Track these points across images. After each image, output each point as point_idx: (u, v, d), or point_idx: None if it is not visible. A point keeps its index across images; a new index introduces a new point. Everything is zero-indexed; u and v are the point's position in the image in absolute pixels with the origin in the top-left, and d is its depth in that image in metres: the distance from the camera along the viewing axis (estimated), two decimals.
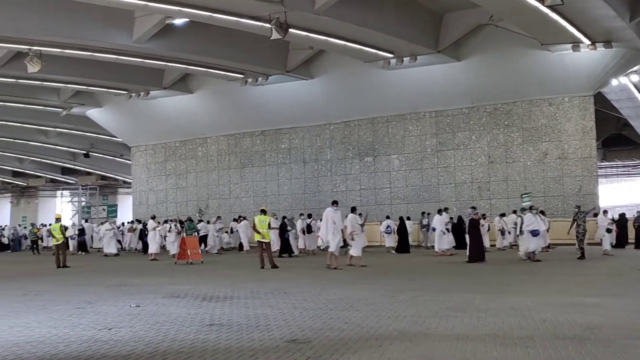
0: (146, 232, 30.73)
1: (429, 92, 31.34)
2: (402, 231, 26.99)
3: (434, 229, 24.71)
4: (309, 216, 28.19)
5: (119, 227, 35.58)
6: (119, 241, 34.07)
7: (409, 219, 28.39)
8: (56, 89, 36.43)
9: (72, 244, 33.67)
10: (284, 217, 29.51)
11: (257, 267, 20.26)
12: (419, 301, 11.49)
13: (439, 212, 24.89)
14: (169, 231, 27.68)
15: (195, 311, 10.91)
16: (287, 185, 36.56)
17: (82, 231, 35.73)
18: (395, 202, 33.20)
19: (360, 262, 19.83)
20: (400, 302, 11.35)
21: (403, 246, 26.60)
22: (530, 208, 21.53)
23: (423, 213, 28.94)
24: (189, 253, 23.38)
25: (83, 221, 36.74)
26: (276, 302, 11.82)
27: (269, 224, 21.03)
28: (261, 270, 19.83)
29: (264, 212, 21.15)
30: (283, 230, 26.27)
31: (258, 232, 20.57)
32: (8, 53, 27.87)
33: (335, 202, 20.04)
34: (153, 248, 27.25)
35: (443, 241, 23.90)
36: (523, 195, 26.54)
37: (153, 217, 28.82)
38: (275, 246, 25.28)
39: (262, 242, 20.62)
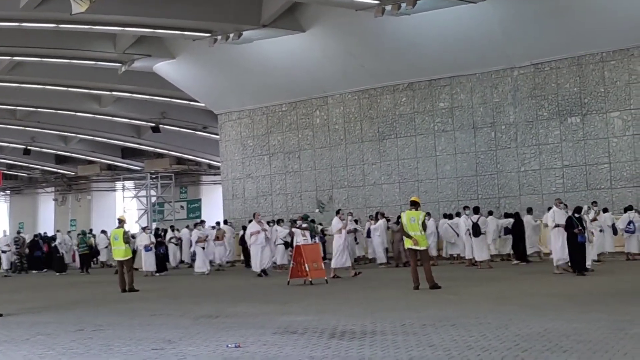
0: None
1: None
2: None
3: None
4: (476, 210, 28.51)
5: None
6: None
7: (630, 209, 28.33)
8: (111, 35, 37.81)
9: (146, 258, 33.96)
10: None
11: (409, 286, 20.34)
12: None
13: None
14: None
15: (322, 353, 11.10)
16: (450, 163, 36.32)
17: (159, 240, 35.96)
18: (617, 185, 32.27)
19: None
20: (632, 338, 11.15)
21: None
22: None
23: None
24: (306, 268, 23.78)
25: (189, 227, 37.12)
26: (440, 339, 11.83)
27: (424, 224, 21.02)
28: (415, 291, 19.91)
29: (415, 205, 21.12)
30: None
31: (408, 236, 20.60)
32: None
33: None
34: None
35: None
36: None
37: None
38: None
39: (416, 250, 20.64)
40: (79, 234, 44.60)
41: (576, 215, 23.23)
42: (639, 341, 10.94)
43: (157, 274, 33.81)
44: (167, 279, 31.77)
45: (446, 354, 10.56)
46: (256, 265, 29.53)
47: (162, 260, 35.24)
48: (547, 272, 23.93)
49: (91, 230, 48.22)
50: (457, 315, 14.44)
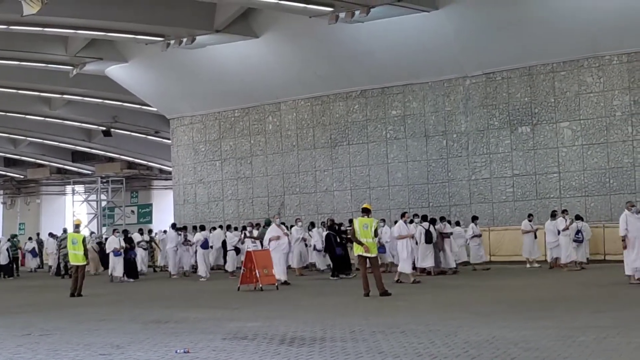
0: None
1: (617, 24, 30.55)
2: None
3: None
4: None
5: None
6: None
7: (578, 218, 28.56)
8: (63, 38, 37.48)
9: (113, 262, 32.45)
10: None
11: (360, 293, 20.35)
12: (608, 344, 11.34)
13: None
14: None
15: (271, 359, 11.11)
16: (402, 171, 36.46)
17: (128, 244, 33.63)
18: (566, 195, 32.60)
19: None
20: (579, 346, 11.22)
21: None
22: None
23: None
24: (257, 274, 23.69)
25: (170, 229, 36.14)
26: (389, 346, 11.85)
27: (375, 231, 21.03)
28: (365, 298, 19.92)
29: (366, 212, 21.15)
30: None
31: (359, 243, 20.61)
32: None
33: None
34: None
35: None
36: None
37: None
38: None
39: (366, 258, 20.66)
40: (8, 239, 44.23)
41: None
42: (586, 349, 11.00)
43: (131, 280, 32.27)
44: (117, 284, 31.38)
45: None
46: (279, 273, 25.76)
47: (133, 266, 33.27)
48: (495, 280, 24.12)
49: (38, 234, 47.66)
50: (406, 322, 14.45)
